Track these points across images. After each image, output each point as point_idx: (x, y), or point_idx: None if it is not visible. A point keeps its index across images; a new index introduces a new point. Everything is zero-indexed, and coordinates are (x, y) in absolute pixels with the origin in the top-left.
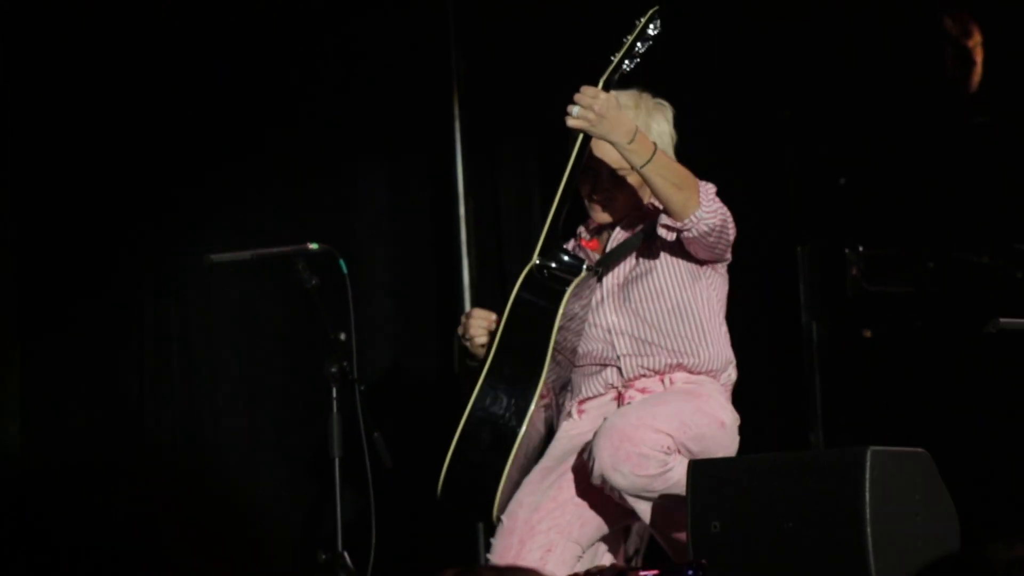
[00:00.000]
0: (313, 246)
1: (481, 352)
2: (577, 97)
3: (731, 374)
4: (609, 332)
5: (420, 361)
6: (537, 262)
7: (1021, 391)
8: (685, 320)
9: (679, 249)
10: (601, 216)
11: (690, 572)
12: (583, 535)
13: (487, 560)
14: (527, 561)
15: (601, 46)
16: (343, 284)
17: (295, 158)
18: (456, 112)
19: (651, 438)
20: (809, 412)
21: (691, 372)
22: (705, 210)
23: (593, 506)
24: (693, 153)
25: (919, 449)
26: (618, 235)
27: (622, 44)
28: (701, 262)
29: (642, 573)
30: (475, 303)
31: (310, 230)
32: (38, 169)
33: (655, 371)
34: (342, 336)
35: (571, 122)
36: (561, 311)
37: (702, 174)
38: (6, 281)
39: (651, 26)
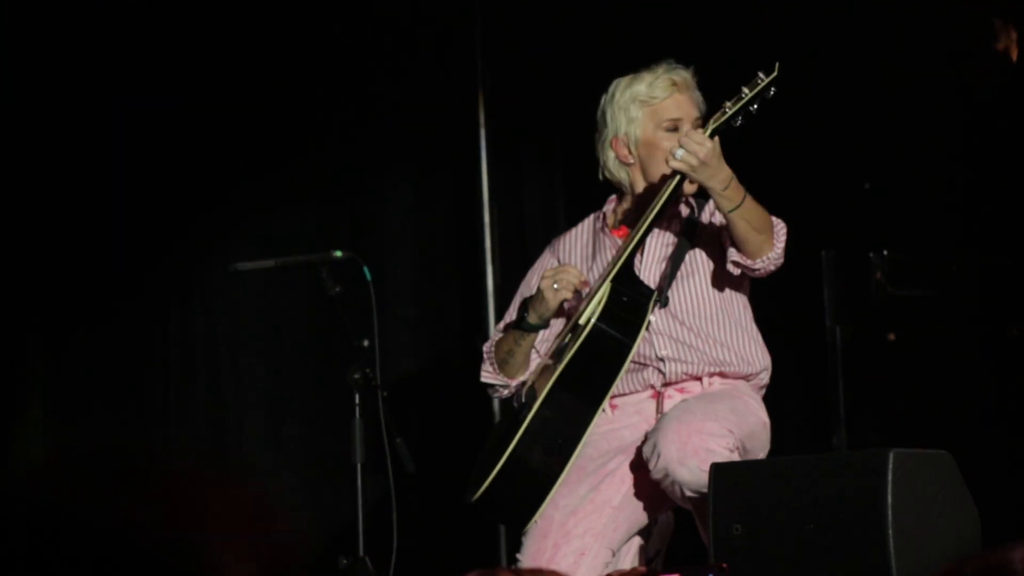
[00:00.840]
0: (337, 254)
1: (554, 301)
2: (683, 140)
3: (763, 377)
4: (647, 331)
5: (443, 368)
6: (612, 289)
7: None
8: (724, 326)
9: (718, 252)
10: (692, 186)
11: (712, 575)
12: (615, 539)
13: (517, 561)
14: (561, 565)
15: (626, 54)
16: (367, 291)
17: (321, 167)
18: (481, 119)
19: (718, 434)
20: (832, 415)
21: (728, 377)
22: (777, 251)
23: (628, 509)
24: None
25: (941, 451)
26: (656, 232)
27: (739, 94)
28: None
29: None
30: (499, 310)
31: (335, 238)
32: (66, 177)
33: (695, 376)
34: (365, 343)
35: (674, 164)
36: (636, 347)
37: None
38: (33, 288)
39: (771, 89)
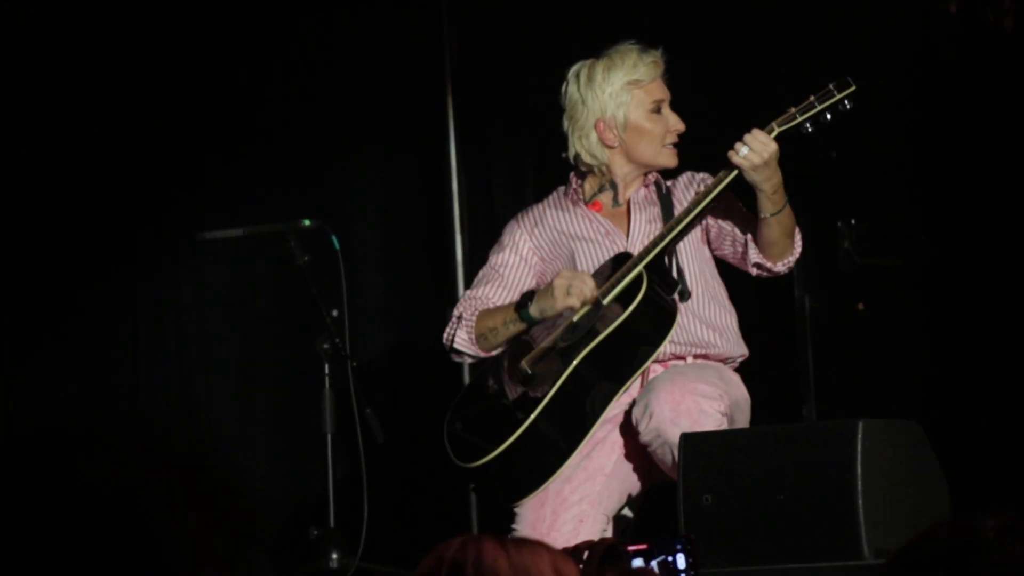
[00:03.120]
0: (305, 223)
1: (561, 304)
2: (748, 138)
3: (738, 362)
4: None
5: (412, 337)
6: (648, 280)
7: (1010, 363)
8: (711, 307)
9: (700, 232)
10: (673, 160)
11: (679, 546)
12: (610, 505)
13: (512, 531)
14: (561, 532)
15: (592, 26)
16: (335, 261)
17: (288, 136)
18: (449, 89)
19: (711, 396)
20: (802, 385)
21: (710, 359)
22: (796, 255)
23: (620, 477)
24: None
25: (910, 421)
26: (640, 200)
27: (808, 102)
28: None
29: (631, 547)
30: (468, 279)
31: (303, 207)
32: (27, 146)
33: (679, 356)
34: (334, 313)
35: (735, 159)
36: (662, 348)
37: (694, 148)
38: None
39: (846, 102)
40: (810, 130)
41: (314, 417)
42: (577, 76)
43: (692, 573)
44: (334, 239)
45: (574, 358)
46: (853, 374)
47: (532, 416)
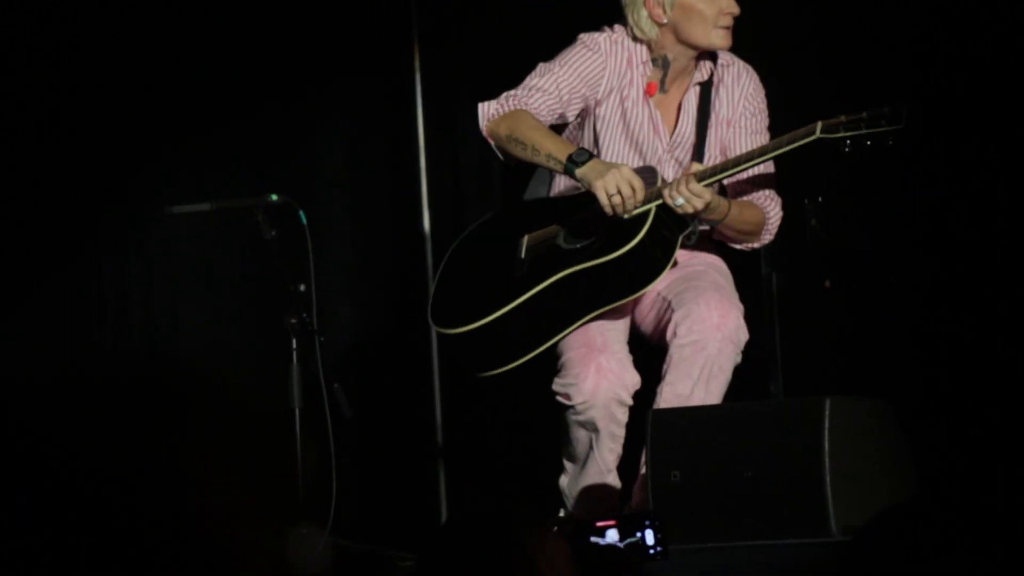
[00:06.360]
0: (273, 197)
1: (603, 202)
2: (682, 188)
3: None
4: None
5: (380, 311)
6: (656, 215)
7: (977, 341)
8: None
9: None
10: (726, 41)
11: (647, 523)
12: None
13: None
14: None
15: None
16: (303, 235)
17: (255, 109)
18: (416, 62)
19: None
20: (769, 362)
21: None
22: (766, 240)
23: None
24: None
25: (878, 398)
26: (688, 104)
27: (856, 119)
28: None
29: (600, 524)
30: (435, 255)
31: (271, 182)
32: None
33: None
34: (302, 287)
35: (674, 207)
36: (667, 268)
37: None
38: None
39: (889, 139)
40: (848, 150)
41: (282, 392)
42: None
43: (660, 549)
44: (302, 214)
45: (562, 269)
46: (821, 351)
47: (507, 307)
